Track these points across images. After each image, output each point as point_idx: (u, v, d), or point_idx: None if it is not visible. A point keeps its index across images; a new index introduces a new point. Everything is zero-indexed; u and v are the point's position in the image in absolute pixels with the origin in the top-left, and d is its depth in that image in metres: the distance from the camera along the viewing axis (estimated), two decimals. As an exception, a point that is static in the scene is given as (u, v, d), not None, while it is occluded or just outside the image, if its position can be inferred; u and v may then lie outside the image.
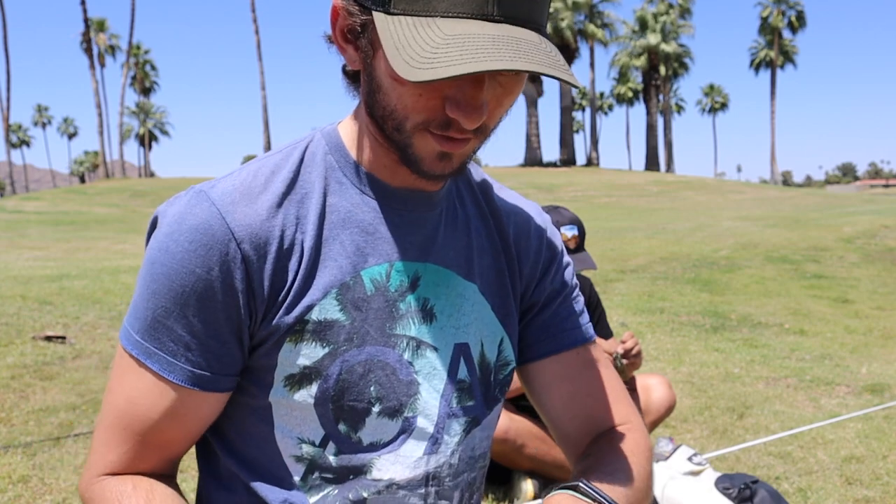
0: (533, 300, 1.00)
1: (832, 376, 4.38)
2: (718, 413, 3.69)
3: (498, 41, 0.68)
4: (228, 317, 0.80)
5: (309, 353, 0.83)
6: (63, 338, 4.81)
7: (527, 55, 0.68)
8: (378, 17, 0.73)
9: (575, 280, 1.04)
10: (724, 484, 2.41)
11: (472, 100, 0.74)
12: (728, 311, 6.48)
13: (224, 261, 0.79)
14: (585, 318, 1.02)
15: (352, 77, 0.87)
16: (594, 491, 0.80)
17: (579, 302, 1.02)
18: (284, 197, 0.84)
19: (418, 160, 0.80)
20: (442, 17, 0.70)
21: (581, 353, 0.99)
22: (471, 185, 0.98)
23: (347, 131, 0.90)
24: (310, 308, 0.83)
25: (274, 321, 0.82)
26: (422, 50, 0.68)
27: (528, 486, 2.66)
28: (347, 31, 0.80)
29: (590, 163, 54.45)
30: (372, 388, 0.86)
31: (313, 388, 0.84)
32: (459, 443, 0.92)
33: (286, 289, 0.82)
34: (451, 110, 0.75)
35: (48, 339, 4.78)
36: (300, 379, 0.84)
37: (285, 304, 0.82)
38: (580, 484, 0.81)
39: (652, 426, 2.93)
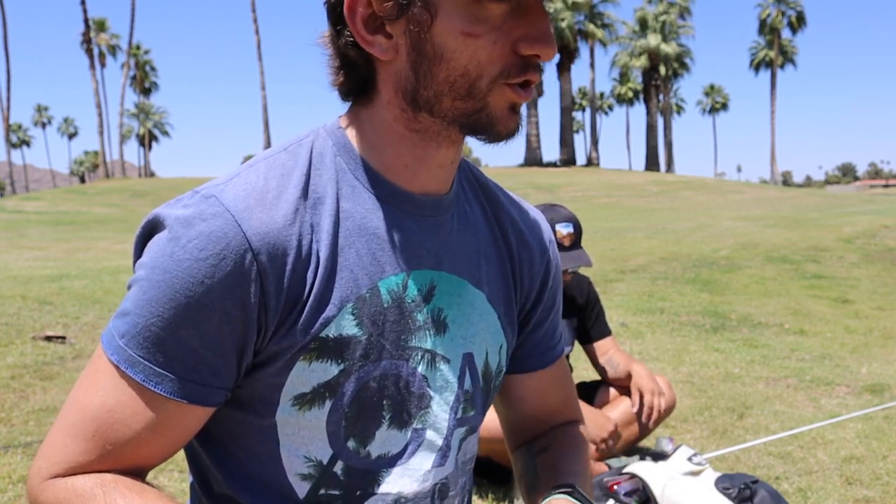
0: (530, 316, 1.00)
1: (832, 376, 4.38)
2: (718, 413, 3.68)
3: None
4: (233, 330, 0.75)
5: (323, 372, 0.79)
6: (63, 338, 4.81)
7: None
8: None
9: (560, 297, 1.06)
10: (724, 484, 2.40)
11: (545, 31, 0.76)
12: (728, 311, 6.47)
13: (238, 273, 0.73)
14: (560, 331, 1.06)
15: (354, 79, 0.82)
16: (586, 496, 0.88)
17: (560, 315, 1.06)
18: (299, 203, 0.78)
19: (494, 120, 0.79)
20: None
21: (557, 366, 1.04)
22: (476, 189, 0.96)
23: (354, 132, 0.84)
24: (326, 324, 0.78)
25: (286, 337, 0.77)
26: None
27: (528, 486, 2.66)
28: (378, 16, 0.76)
29: (590, 163, 54.44)
30: (385, 402, 0.84)
31: (326, 407, 0.81)
32: (457, 451, 0.92)
33: (302, 302, 0.77)
34: (529, 48, 0.75)
35: (48, 339, 4.77)
36: (312, 398, 0.80)
37: (300, 320, 0.77)
38: (575, 488, 0.88)
39: (652, 426, 2.93)
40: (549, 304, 1.02)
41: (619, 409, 2.88)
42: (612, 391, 2.98)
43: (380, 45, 0.77)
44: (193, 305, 0.73)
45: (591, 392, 3.02)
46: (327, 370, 0.80)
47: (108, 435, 0.76)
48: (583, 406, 2.26)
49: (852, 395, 4.01)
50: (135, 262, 0.79)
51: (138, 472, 0.79)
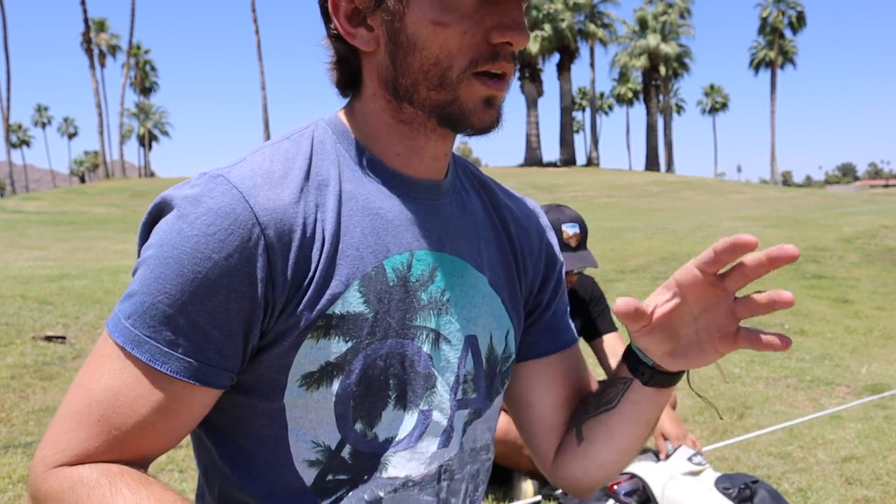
0: (539, 299, 1.01)
1: (832, 376, 4.38)
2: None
3: None
4: (241, 308, 0.75)
5: (331, 350, 0.80)
6: (63, 338, 4.81)
7: None
8: None
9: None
10: (724, 484, 2.40)
11: (517, 20, 0.78)
12: (728, 311, 6.46)
13: (246, 247, 0.74)
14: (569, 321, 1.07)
15: (345, 73, 0.86)
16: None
17: (567, 299, 1.07)
18: (304, 184, 0.80)
19: (467, 113, 0.80)
20: None
21: (574, 349, 1.03)
22: (472, 179, 0.98)
23: (352, 122, 0.87)
24: (333, 301, 0.79)
25: (293, 315, 0.78)
26: None
27: (528, 486, 2.66)
28: (358, 10, 0.80)
29: (590, 163, 54.43)
30: (391, 381, 0.84)
31: (334, 386, 0.81)
32: (462, 435, 0.92)
33: (308, 279, 0.78)
34: (500, 35, 0.77)
35: (48, 339, 4.77)
36: (320, 377, 0.80)
37: (307, 297, 0.78)
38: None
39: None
40: (555, 287, 1.03)
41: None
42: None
43: (362, 38, 0.81)
44: (202, 281, 0.73)
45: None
46: (335, 348, 0.80)
47: (114, 419, 0.75)
48: None
49: (852, 395, 4.01)
50: (140, 246, 0.80)
51: (142, 463, 0.78)
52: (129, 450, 0.76)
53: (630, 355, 0.88)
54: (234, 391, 0.81)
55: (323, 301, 0.79)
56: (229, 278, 0.74)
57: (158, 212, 0.78)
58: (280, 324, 0.78)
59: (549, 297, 1.02)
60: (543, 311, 1.01)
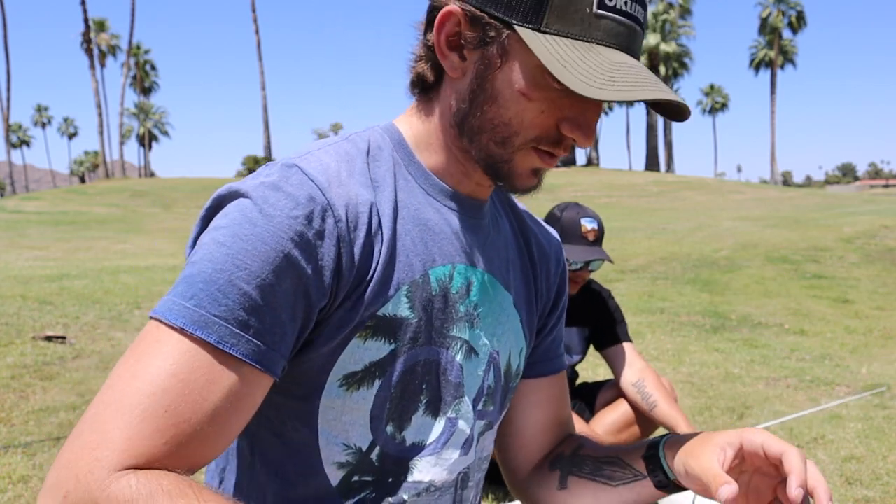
0: (544, 322, 1.06)
1: (832, 376, 4.39)
2: (718, 413, 3.69)
3: (649, 74, 0.75)
4: (307, 294, 0.75)
5: (377, 350, 0.82)
6: (63, 338, 4.81)
7: (666, 90, 0.75)
8: (526, 32, 0.76)
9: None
10: (724, 484, 2.40)
11: (591, 122, 0.80)
12: (728, 312, 6.48)
13: (323, 235, 0.76)
14: (562, 347, 1.11)
15: (423, 83, 0.87)
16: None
17: (563, 328, 1.11)
18: (366, 186, 0.82)
19: (513, 175, 0.84)
20: (598, 44, 0.75)
21: (561, 377, 1.09)
22: (504, 203, 1.02)
23: (409, 131, 0.89)
24: (384, 303, 0.81)
25: (349, 311, 0.79)
26: (597, 72, 0.73)
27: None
28: (462, 38, 0.80)
29: (590, 163, 54.46)
30: (424, 387, 0.87)
31: (374, 387, 0.83)
32: (477, 444, 0.95)
33: (368, 277, 0.80)
34: (569, 130, 0.80)
35: (48, 339, 4.78)
36: (363, 377, 0.82)
37: (365, 294, 0.79)
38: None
39: (652, 426, 2.93)
40: (560, 313, 1.08)
41: (619, 410, 2.88)
42: (613, 392, 2.98)
43: (451, 62, 0.82)
44: (282, 260, 0.73)
45: (594, 392, 3.02)
46: (380, 349, 0.82)
47: (183, 409, 0.68)
48: None
49: (852, 395, 4.01)
50: (197, 234, 0.79)
51: (193, 471, 0.71)
52: (191, 452, 0.70)
53: (653, 458, 0.90)
54: (271, 389, 0.78)
55: (377, 301, 0.81)
56: (305, 262, 0.74)
57: (222, 200, 0.78)
58: (335, 317, 0.79)
59: (552, 324, 1.07)
60: (545, 336, 1.06)
